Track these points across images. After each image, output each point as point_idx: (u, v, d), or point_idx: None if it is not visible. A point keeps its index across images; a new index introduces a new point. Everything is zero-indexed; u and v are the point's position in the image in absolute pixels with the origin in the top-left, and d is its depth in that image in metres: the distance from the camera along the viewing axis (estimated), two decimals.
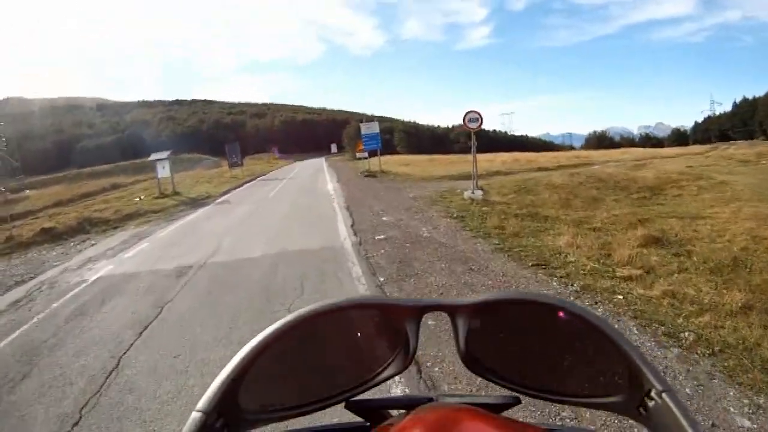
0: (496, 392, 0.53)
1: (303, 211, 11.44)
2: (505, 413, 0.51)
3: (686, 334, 3.49)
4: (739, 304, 3.98)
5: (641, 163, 20.34)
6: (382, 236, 7.35)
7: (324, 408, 0.48)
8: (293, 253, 6.90)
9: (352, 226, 8.57)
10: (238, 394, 0.43)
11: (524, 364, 0.48)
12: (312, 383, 0.47)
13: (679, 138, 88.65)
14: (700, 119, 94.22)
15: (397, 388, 2.91)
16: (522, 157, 30.29)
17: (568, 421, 2.53)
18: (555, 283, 4.78)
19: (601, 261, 5.51)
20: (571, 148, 79.59)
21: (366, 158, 23.11)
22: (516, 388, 0.48)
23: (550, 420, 2.52)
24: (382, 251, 6.42)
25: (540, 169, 20.27)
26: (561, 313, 0.45)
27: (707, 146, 47.12)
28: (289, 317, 0.45)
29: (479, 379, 0.54)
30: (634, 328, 3.64)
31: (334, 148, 45.50)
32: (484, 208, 9.28)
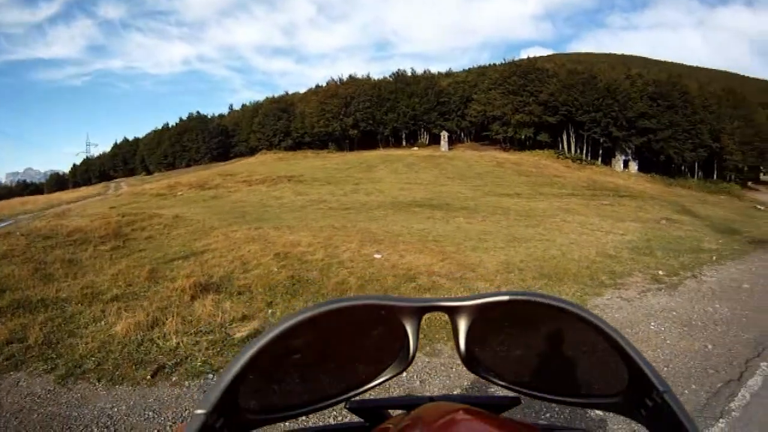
0: (496, 392, 0.57)
1: None
2: (505, 413, 0.56)
3: None
4: None
5: (60, 211, 18.98)
6: None
7: (324, 408, 0.50)
8: None
9: None
10: (239, 395, 0.45)
11: (524, 364, 0.51)
12: (312, 384, 0.50)
13: (58, 182, 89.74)
14: (76, 161, 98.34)
15: None
16: None
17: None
18: None
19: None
20: None
21: None
22: (516, 388, 0.51)
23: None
24: None
25: None
26: (561, 313, 0.47)
27: (98, 186, 49.42)
28: (288, 319, 0.46)
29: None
30: None
31: None
32: None
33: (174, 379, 3.88)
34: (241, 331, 4.69)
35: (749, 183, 48.30)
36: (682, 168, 46.70)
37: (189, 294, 5.89)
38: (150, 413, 3.39)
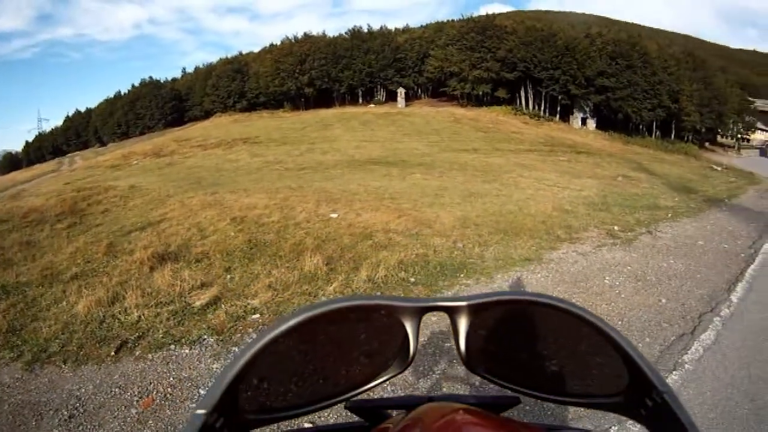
0: (496, 392, 0.57)
1: None
2: (505, 413, 0.56)
3: None
4: None
5: (15, 192, 18.63)
6: None
7: (324, 408, 0.50)
8: None
9: None
10: (239, 395, 0.45)
11: (524, 363, 0.51)
12: (312, 384, 0.50)
13: (11, 161, 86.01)
14: (29, 139, 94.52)
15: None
16: None
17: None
18: None
19: None
20: None
21: None
22: (515, 388, 0.51)
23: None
24: None
25: None
26: (561, 313, 0.47)
27: (52, 162, 48.12)
28: (289, 318, 0.46)
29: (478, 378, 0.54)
30: None
31: None
32: None
33: (137, 353, 3.90)
34: (200, 299, 4.72)
35: (706, 144, 49.50)
36: (640, 127, 47.34)
37: (148, 265, 5.86)
38: (116, 390, 3.42)
